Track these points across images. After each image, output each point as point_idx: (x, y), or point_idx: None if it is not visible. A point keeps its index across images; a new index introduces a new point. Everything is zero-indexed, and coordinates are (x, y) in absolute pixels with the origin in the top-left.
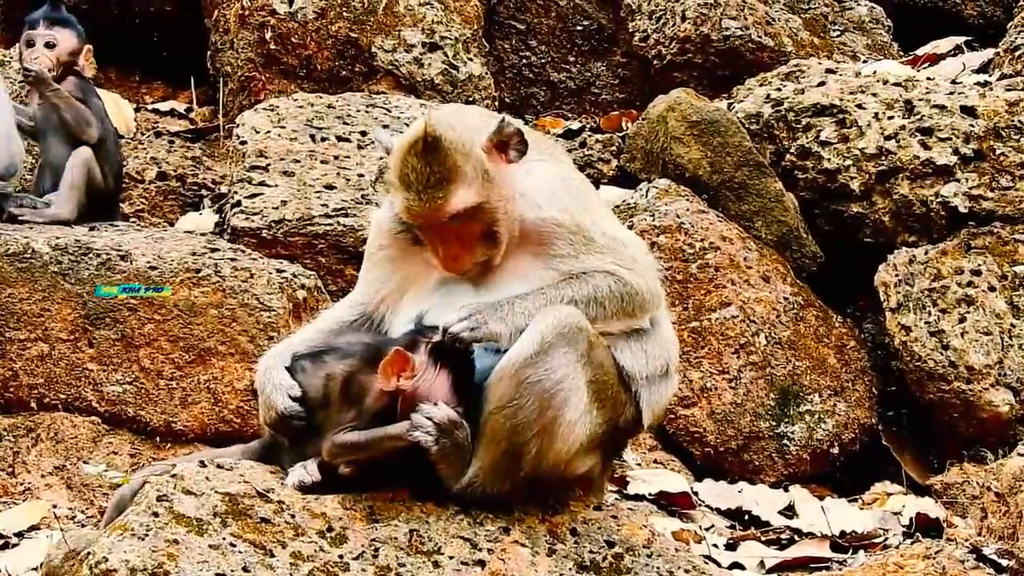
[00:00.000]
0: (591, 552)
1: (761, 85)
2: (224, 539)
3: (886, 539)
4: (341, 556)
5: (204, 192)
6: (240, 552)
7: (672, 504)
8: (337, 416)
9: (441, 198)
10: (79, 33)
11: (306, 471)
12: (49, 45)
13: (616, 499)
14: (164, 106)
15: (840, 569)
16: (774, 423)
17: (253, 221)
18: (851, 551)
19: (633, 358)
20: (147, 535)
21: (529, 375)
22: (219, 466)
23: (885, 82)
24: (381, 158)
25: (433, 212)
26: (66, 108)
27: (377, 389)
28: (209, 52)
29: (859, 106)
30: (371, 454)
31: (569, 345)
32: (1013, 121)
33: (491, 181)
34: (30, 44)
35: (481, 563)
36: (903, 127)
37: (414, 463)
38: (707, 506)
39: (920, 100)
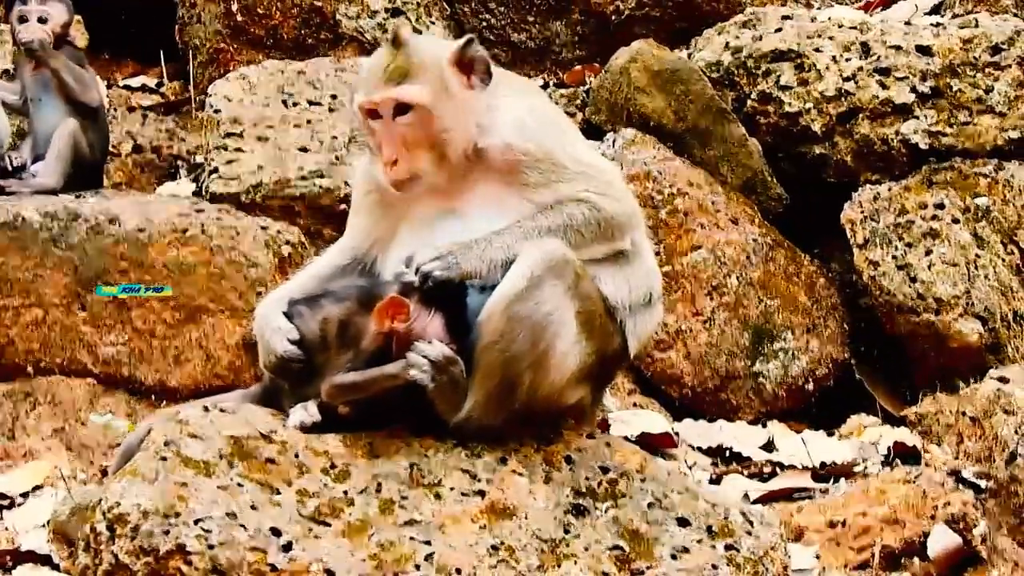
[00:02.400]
0: (587, 479)
1: (719, 34)
2: (232, 480)
3: (865, 468)
4: (345, 492)
5: (180, 163)
6: (248, 491)
7: (654, 444)
8: (335, 358)
9: (395, 84)
10: (68, 5)
11: (307, 412)
12: (42, 20)
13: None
14: (135, 82)
15: (824, 497)
16: (749, 362)
17: (231, 186)
18: (832, 480)
19: (616, 288)
20: (157, 479)
21: (519, 309)
22: (222, 410)
23: (841, 25)
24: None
25: (383, 96)
26: (67, 72)
27: (373, 331)
28: (177, 26)
29: (817, 50)
30: (369, 393)
31: (557, 278)
32: (968, 58)
33: (448, 94)
34: (23, 20)
35: (481, 493)
36: (861, 68)
37: (411, 400)
38: (688, 445)
39: (876, 41)
